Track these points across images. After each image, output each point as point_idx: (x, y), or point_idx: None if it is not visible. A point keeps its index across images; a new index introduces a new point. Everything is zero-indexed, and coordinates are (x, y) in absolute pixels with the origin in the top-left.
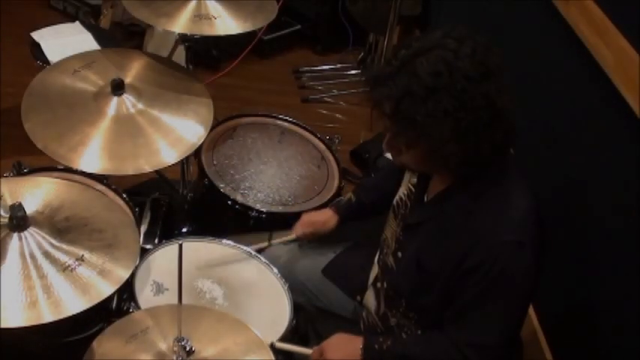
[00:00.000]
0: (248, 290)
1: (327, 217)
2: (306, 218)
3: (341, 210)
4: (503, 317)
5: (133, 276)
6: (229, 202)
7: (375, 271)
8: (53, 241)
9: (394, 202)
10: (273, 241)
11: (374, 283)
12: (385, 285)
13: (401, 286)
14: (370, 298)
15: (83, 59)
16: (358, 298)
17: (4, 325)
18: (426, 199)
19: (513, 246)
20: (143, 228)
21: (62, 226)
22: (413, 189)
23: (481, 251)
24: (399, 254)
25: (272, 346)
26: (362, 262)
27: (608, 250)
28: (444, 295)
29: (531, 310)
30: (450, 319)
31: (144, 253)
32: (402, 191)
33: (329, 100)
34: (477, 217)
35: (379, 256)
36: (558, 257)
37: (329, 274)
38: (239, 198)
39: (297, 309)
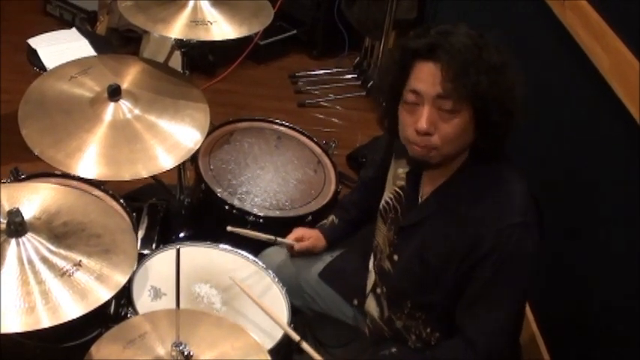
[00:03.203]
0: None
1: (318, 234)
2: (300, 230)
3: (326, 233)
4: (511, 300)
5: (130, 281)
6: (226, 207)
7: (372, 278)
8: (51, 247)
9: (380, 207)
10: (279, 239)
11: (373, 290)
12: (385, 289)
13: (403, 287)
14: (372, 305)
15: (79, 65)
16: (355, 302)
17: (2, 331)
18: (420, 199)
19: (521, 227)
20: (140, 233)
21: (60, 232)
22: (401, 192)
23: (491, 237)
24: (395, 257)
25: (298, 344)
26: (358, 267)
27: (606, 253)
28: (452, 289)
29: (529, 312)
30: (462, 309)
31: (141, 258)
32: (387, 196)
33: (325, 104)
34: (480, 206)
35: (374, 262)
36: (557, 259)
37: (326, 278)
38: (236, 203)
39: (294, 312)
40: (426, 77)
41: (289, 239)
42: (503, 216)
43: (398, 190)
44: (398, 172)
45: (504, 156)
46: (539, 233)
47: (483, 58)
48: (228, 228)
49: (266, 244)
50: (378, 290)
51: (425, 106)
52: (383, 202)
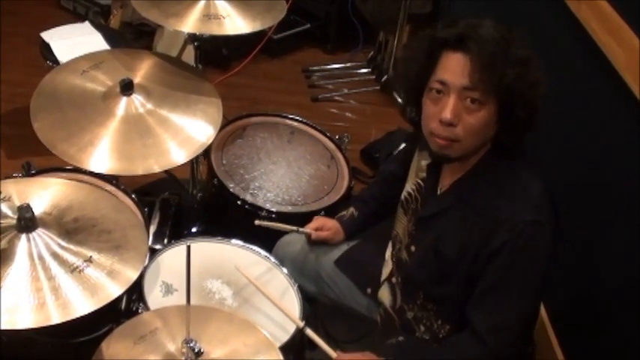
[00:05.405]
0: (257, 290)
1: (337, 226)
2: (321, 219)
3: (346, 226)
4: (522, 296)
5: (142, 276)
6: (239, 202)
7: (388, 267)
8: (61, 242)
9: (402, 197)
10: (300, 229)
11: (388, 279)
12: (400, 279)
13: (417, 277)
14: (385, 294)
15: (92, 59)
16: (368, 291)
17: (12, 327)
18: (439, 191)
19: (534, 225)
20: (152, 228)
21: (70, 227)
22: (423, 183)
23: (504, 232)
24: (413, 248)
25: (302, 330)
26: (373, 256)
27: (620, 249)
28: (465, 281)
29: (543, 311)
30: (472, 304)
31: (153, 253)
32: (409, 187)
33: (339, 98)
34: (495, 202)
35: (392, 252)
36: (571, 256)
37: (341, 265)
38: (248, 198)
39: (310, 300)
40: (454, 68)
41: (309, 228)
42: (517, 212)
43: (420, 181)
44: (421, 163)
45: (524, 154)
46: (552, 233)
47: (511, 51)
48: (256, 222)
49: (278, 238)
50: (394, 280)
51: (450, 97)
52: (405, 192)
